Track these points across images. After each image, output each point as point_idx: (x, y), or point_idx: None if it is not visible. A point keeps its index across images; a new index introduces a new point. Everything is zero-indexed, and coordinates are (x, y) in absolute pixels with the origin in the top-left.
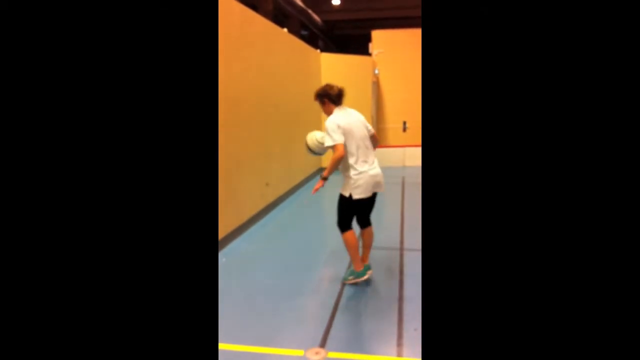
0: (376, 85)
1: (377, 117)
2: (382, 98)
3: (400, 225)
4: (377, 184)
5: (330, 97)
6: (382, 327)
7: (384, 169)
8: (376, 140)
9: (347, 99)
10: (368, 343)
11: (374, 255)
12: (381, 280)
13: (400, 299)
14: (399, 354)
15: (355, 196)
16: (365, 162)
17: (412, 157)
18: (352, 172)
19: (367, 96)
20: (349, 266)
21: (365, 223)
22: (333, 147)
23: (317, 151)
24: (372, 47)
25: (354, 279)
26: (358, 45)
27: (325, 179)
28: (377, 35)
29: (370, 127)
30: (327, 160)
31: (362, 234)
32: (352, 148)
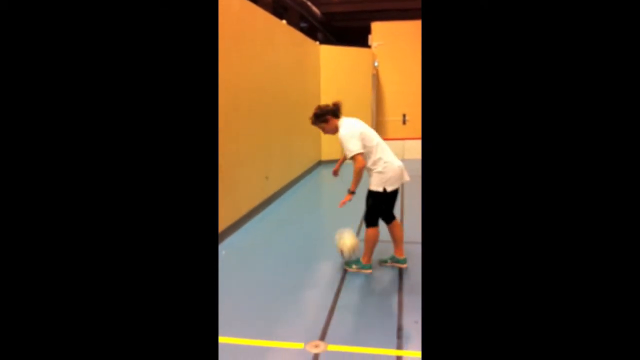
0: (376, 77)
1: (377, 109)
2: (382, 90)
3: (400, 218)
4: (403, 174)
5: (332, 112)
6: (382, 320)
7: None
8: None
9: (346, 92)
10: (368, 336)
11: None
12: (381, 272)
13: (400, 291)
14: (399, 347)
15: (389, 188)
16: (389, 155)
17: (412, 150)
18: (379, 167)
19: (367, 89)
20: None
21: (392, 217)
22: (353, 158)
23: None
24: (372, 39)
25: (357, 268)
26: (357, 37)
27: (353, 193)
28: (376, 27)
29: None
30: (326, 154)
31: (392, 229)
32: (373, 145)
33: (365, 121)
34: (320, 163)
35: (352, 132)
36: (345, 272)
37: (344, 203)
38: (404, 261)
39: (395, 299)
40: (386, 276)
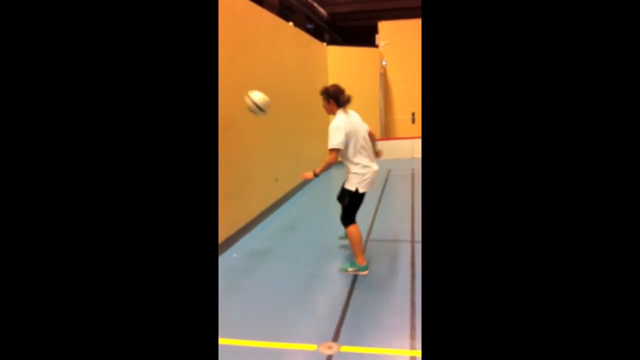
0: (384, 77)
1: (385, 109)
2: (390, 90)
3: (411, 218)
4: (376, 180)
5: (338, 101)
6: (395, 320)
7: (392, 161)
8: (373, 136)
9: (354, 92)
10: (381, 336)
11: (385, 247)
12: (392, 273)
13: (412, 291)
14: (412, 347)
15: (361, 190)
16: (369, 158)
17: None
18: (358, 169)
19: (375, 88)
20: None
21: None
22: (329, 150)
23: (256, 111)
24: (379, 38)
25: (354, 270)
26: (364, 37)
27: (316, 175)
28: (383, 26)
29: (366, 126)
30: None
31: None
32: (357, 146)
33: (374, 120)
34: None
35: (342, 127)
36: (356, 273)
37: (303, 177)
38: (365, 267)
39: (407, 299)
40: (397, 276)
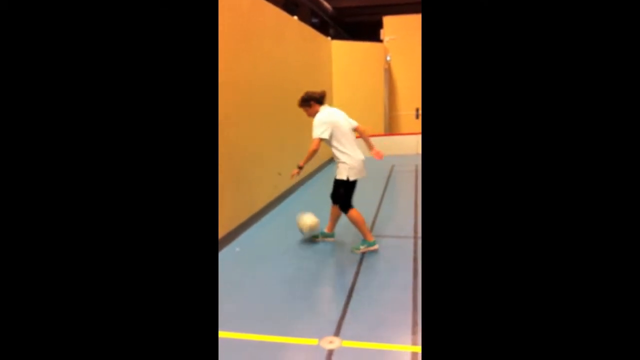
0: (388, 72)
1: (390, 104)
2: (395, 85)
3: (414, 213)
4: (364, 169)
5: (316, 99)
6: (397, 316)
7: (396, 157)
8: (364, 131)
9: (359, 87)
10: (382, 332)
11: (388, 243)
12: (395, 268)
13: (414, 287)
14: (414, 343)
15: (352, 177)
16: (353, 149)
17: None
18: (344, 158)
19: (379, 83)
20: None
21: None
22: (313, 140)
23: (308, 234)
24: (384, 33)
25: (365, 247)
26: (369, 32)
27: (300, 167)
28: (388, 21)
29: (353, 122)
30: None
31: (334, 209)
32: (341, 138)
33: (378, 116)
34: (332, 160)
35: (325, 119)
36: (358, 267)
37: (293, 175)
38: (332, 235)
39: (409, 295)
40: (400, 272)
